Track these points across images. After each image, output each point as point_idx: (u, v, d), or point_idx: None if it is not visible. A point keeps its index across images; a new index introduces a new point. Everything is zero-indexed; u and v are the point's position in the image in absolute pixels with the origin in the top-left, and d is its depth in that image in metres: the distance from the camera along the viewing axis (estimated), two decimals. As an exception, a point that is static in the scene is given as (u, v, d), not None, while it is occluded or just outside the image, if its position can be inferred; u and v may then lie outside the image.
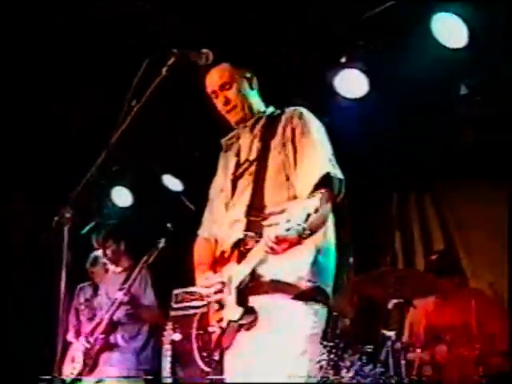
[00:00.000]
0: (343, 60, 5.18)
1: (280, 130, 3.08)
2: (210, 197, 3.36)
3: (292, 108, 3.17)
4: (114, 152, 2.89)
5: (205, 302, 3.11)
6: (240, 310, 2.81)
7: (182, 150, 5.90)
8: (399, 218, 6.22)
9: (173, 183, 6.30)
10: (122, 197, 6.51)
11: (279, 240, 2.60)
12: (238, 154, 3.22)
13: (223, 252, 3.05)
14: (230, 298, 2.86)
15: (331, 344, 4.27)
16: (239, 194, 3.09)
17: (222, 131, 3.32)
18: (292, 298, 2.82)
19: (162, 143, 5.72)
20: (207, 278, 2.99)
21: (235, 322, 2.85)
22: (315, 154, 2.97)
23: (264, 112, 3.26)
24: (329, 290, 2.92)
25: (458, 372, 4.12)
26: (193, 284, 3.16)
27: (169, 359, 4.86)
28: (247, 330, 2.84)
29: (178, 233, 4.75)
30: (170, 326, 4.88)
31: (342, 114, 5.17)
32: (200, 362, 3.86)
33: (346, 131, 5.10)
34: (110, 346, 5.15)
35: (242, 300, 2.84)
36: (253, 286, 2.84)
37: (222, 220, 3.13)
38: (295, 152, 3.01)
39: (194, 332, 4.28)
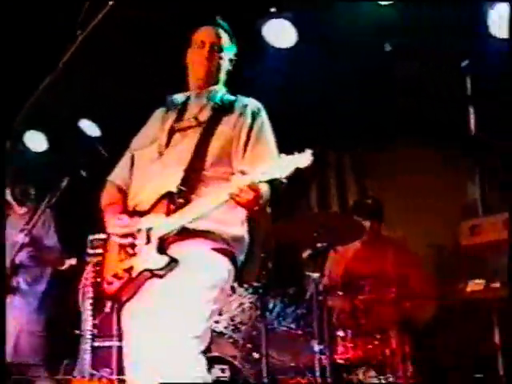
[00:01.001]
0: (273, 10, 5.23)
1: (236, 113, 3.05)
2: (132, 147, 3.22)
3: (246, 99, 3.14)
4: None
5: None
6: (163, 259, 2.75)
7: (106, 94, 5.70)
8: (317, 175, 6.33)
9: (90, 128, 6.14)
10: (35, 141, 6.29)
11: (250, 189, 2.58)
12: (182, 112, 3.14)
13: (141, 203, 2.93)
14: (149, 246, 2.78)
15: (255, 285, 4.36)
16: (177, 146, 3.00)
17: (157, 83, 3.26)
18: (212, 248, 2.79)
19: (88, 83, 5.50)
20: (120, 218, 2.88)
21: (155, 270, 2.76)
22: (267, 152, 2.93)
23: (219, 85, 3.21)
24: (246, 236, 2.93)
25: (376, 316, 4.27)
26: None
27: (90, 301, 4.80)
28: (161, 277, 2.77)
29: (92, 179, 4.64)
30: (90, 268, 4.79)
31: (270, 64, 5.20)
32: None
33: (272, 82, 5.15)
34: (12, 290, 5.03)
35: (163, 249, 2.78)
36: (174, 235, 2.79)
37: (150, 169, 3.00)
38: (246, 144, 2.97)
39: (88, 279, 4.21)
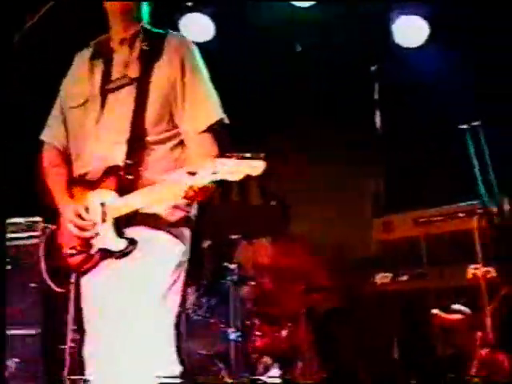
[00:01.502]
0: (189, 4, 5.29)
1: (167, 54, 2.87)
2: (62, 100, 3.05)
3: (177, 33, 2.99)
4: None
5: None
6: (123, 241, 2.72)
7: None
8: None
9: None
10: None
11: (201, 190, 2.54)
12: (108, 64, 2.95)
13: (87, 173, 2.83)
14: (105, 226, 2.74)
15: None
16: (114, 110, 2.86)
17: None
18: (165, 229, 2.78)
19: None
20: (82, 217, 2.75)
21: (114, 252, 2.73)
22: (207, 95, 2.86)
23: (142, 24, 2.99)
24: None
25: (286, 306, 4.48)
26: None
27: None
28: (117, 258, 2.74)
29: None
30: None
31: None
32: (50, 282, 3.74)
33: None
34: None
35: (121, 231, 2.75)
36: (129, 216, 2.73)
37: (89, 136, 2.86)
38: (183, 87, 2.85)
39: (42, 249, 4.11)
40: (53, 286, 3.84)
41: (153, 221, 2.76)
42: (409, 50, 5.36)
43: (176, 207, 2.80)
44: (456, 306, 3.28)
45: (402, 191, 4.73)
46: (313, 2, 4.91)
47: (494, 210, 3.42)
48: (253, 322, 4.32)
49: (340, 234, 5.07)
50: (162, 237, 2.77)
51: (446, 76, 5.02)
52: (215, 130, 2.83)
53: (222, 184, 2.53)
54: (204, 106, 2.86)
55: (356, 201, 5.18)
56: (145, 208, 2.71)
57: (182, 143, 2.87)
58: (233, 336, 4.01)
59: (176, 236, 2.80)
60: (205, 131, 2.81)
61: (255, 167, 2.45)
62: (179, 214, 2.81)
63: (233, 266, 4.13)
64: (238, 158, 2.48)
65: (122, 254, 2.70)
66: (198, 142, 2.83)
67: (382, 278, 4.03)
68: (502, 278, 3.37)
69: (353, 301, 4.42)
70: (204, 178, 2.51)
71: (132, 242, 2.70)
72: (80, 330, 3.63)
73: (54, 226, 2.93)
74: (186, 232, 2.86)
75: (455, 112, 4.41)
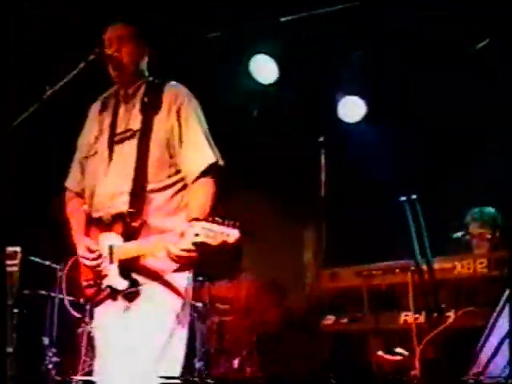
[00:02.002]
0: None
1: (165, 106, 3.17)
2: (80, 149, 3.38)
3: (174, 83, 3.29)
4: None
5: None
6: (125, 282, 2.99)
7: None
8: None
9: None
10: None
11: (189, 250, 2.79)
12: (114, 118, 3.26)
13: (101, 217, 3.12)
14: (112, 266, 3.02)
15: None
16: (119, 162, 3.16)
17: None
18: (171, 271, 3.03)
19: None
20: (91, 250, 3.07)
21: (119, 290, 3.01)
22: (201, 140, 3.16)
23: (144, 79, 3.34)
24: None
25: (237, 336, 5.07)
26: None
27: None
28: (122, 297, 3.03)
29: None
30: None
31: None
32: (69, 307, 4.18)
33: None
34: None
35: (126, 273, 3.02)
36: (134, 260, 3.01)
37: (99, 185, 3.18)
38: (181, 135, 3.14)
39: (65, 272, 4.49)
40: (72, 311, 4.35)
41: (150, 269, 3.03)
42: (350, 125, 6.26)
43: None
44: (398, 349, 3.96)
45: (346, 248, 5.51)
46: (274, 80, 5.70)
47: (425, 268, 4.18)
48: (212, 353, 4.90)
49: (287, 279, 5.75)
50: (158, 289, 3.04)
51: (383, 149, 5.90)
52: (211, 174, 3.13)
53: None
54: (197, 153, 3.14)
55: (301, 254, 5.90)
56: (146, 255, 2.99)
57: (183, 189, 3.17)
58: (198, 365, 4.55)
59: (174, 289, 3.05)
60: (200, 176, 3.11)
61: (230, 235, 2.66)
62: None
63: (199, 305, 4.69)
64: (215, 223, 2.70)
65: (126, 293, 3.01)
66: (194, 187, 3.13)
67: (326, 319, 4.74)
68: (428, 324, 4.12)
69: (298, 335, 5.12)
70: (188, 241, 2.75)
71: (134, 284, 3.00)
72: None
73: (73, 259, 3.26)
74: (184, 278, 3.11)
75: (394, 182, 5.30)
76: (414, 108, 5.76)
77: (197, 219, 2.73)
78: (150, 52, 3.39)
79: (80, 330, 5.01)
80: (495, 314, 3.59)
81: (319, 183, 5.47)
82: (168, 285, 3.05)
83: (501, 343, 3.44)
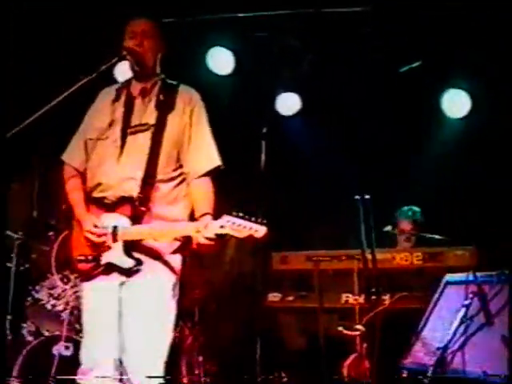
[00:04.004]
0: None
1: (180, 106, 3.41)
2: (87, 130, 3.50)
3: (187, 87, 3.53)
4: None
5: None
6: (131, 261, 3.23)
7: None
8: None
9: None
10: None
11: (211, 239, 3.05)
12: (129, 109, 3.44)
13: (104, 197, 3.34)
14: (116, 244, 3.24)
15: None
16: (132, 151, 3.35)
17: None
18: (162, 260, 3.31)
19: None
20: (98, 226, 3.27)
21: (122, 268, 3.24)
22: (209, 143, 3.45)
23: (160, 76, 3.53)
24: None
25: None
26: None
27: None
28: (122, 274, 3.26)
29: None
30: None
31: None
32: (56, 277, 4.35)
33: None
34: None
35: (129, 252, 3.25)
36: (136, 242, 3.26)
37: (109, 169, 3.35)
38: (191, 135, 3.41)
39: (54, 249, 4.62)
40: (57, 280, 4.51)
41: (153, 250, 3.30)
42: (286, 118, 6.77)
43: (174, 239, 3.36)
44: (357, 326, 4.60)
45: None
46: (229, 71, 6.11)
47: (369, 257, 4.85)
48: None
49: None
50: (159, 267, 3.32)
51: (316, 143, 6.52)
52: (212, 174, 3.42)
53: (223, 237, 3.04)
54: (205, 154, 3.43)
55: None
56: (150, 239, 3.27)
57: (182, 182, 3.43)
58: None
59: (171, 268, 3.34)
60: (204, 175, 3.40)
61: (258, 231, 2.93)
62: (175, 245, 3.37)
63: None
64: (245, 219, 2.96)
65: (129, 271, 3.25)
66: (197, 184, 3.41)
67: (272, 297, 5.32)
68: (368, 304, 4.80)
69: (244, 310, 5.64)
70: (212, 231, 3.03)
71: (139, 263, 3.25)
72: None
73: (66, 232, 3.52)
74: (178, 259, 3.40)
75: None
76: (347, 109, 6.36)
77: (230, 214, 3.02)
78: (165, 49, 3.56)
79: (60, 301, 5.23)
80: (435, 297, 4.31)
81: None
82: (166, 263, 3.35)
83: (440, 322, 4.16)
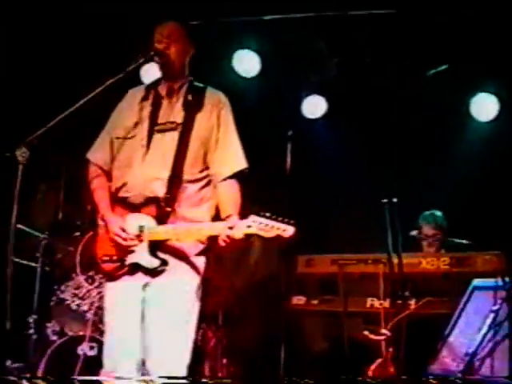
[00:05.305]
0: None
1: (208, 107, 3.43)
2: (110, 129, 3.52)
3: (215, 90, 3.55)
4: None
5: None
6: (156, 261, 3.24)
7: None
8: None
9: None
10: None
11: (235, 240, 3.07)
12: (156, 108, 3.45)
13: (129, 197, 3.33)
14: (142, 244, 3.25)
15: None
16: (158, 150, 3.35)
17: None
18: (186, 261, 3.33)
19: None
20: (124, 230, 3.26)
21: (148, 268, 3.25)
22: (236, 145, 3.47)
23: (188, 78, 3.56)
24: None
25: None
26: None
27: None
28: (148, 274, 3.27)
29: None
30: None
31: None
32: (81, 277, 4.37)
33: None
34: None
35: (155, 252, 3.26)
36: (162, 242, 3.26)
37: (135, 168, 3.36)
38: (218, 136, 3.42)
39: (79, 249, 4.65)
40: (82, 280, 4.53)
41: (179, 251, 3.31)
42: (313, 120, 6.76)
43: (199, 241, 3.36)
44: (383, 330, 4.55)
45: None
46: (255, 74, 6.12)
47: (396, 261, 4.79)
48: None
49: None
50: (184, 268, 3.33)
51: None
52: (239, 176, 3.43)
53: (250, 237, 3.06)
54: (231, 156, 3.44)
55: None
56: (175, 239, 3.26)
57: (207, 185, 3.43)
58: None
59: (196, 269, 3.35)
60: (230, 177, 3.41)
61: (286, 231, 2.96)
62: (200, 247, 3.38)
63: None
64: (272, 219, 2.99)
65: (154, 271, 3.26)
66: (223, 186, 3.41)
67: (296, 300, 5.29)
68: (394, 309, 4.75)
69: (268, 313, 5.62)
70: (239, 231, 3.06)
71: (164, 263, 3.26)
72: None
73: (91, 233, 3.52)
74: (202, 261, 3.40)
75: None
76: (373, 112, 6.32)
77: (257, 214, 3.04)
78: (193, 52, 3.59)
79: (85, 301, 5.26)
80: (462, 302, 4.25)
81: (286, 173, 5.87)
82: (191, 265, 3.35)
83: (467, 328, 4.11)
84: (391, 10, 5.67)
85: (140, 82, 3.92)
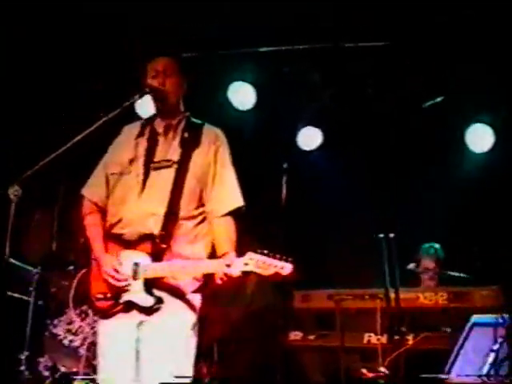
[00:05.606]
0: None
1: (205, 144, 3.40)
2: (109, 165, 3.47)
3: (212, 126, 3.51)
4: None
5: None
6: (151, 299, 3.18)
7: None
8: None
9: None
10: None
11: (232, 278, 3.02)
12: (152, 145, 3.41)
13: (124, 234, 3.27)
14: (136, 282, 3.19)
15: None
16: (154, 187, 3.31)
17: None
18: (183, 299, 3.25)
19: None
20: (118, 271, 3.20)
21: (143, 307, 3.18)
22: (233, 182, 3.43)
23: (184, 114, 3.52)
24: None
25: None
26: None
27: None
28: (142, 312, 3.20)
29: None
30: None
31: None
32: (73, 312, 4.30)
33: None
34: None
35: (150, 290, 3.19)
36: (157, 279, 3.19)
37: (131, 204, 3.31)
38: (215, 173, 3.38)
39: (73, 286, 4.57)
40: (74, 316, 4.44)
41: (175, 289, 3.23)
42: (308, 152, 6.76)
43: (195, 278, 3.30)
44: (381, 368, 4.47)
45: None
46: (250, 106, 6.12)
47: (393, 296, 4.75)
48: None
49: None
50: (180, 305, 3.25)
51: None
52: (235, 214, 3.38)
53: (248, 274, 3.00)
54: (228, 193, 3.40)
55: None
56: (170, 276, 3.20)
57: (203, 221, 3.38)
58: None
59: (192, 306, 3.28)
60: (226, 214, 3.36)
61: (284, 268, 2.91)
62: (196, 284, 3.31)
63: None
64: (269, 256, 2.94)
65: (150, 309, 3.18)
66: (219, 223, 3.35)
67: (293, 335, 5.23)
68: (391, 344, 4.70)
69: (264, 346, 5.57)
70: (236, 269, 3.01)
71: (159, 301, 3.18)
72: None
73: (84, 270, 3.42)
74: (198, 298, 3.33)
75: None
76: (369, 143, 6.32)
77: (254, 251, 2.99)
78: (186, 86, 3.54)
79: (77, 336, 5.19)
80: (462, 339, 4.20)
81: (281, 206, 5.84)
82: (187, 302, 3.28)
83: (467, 366, 4.05)
84: (385, 42, 5.69)
85: (134, 115, 3.87)
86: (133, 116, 3.79)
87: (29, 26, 5.26)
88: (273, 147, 6.33)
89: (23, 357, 5.09)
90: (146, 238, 3.23)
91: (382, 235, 4.67)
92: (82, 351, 5.19)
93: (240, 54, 5.93)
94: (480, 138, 6.10)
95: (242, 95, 6.08)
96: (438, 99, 5.88)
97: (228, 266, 3.05)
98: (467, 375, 3.74)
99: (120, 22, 5.38)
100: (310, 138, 6.69)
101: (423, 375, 4.07)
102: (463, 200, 6.08)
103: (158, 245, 3.21)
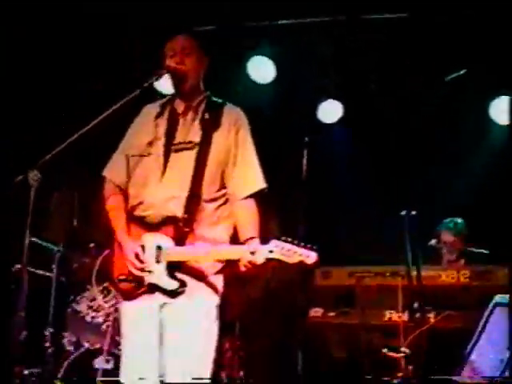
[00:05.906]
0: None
1: (225, 125, 3.33)
2: (129, 146, 3.43)
3: (233, 106, 3.44)
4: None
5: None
6: (175, 283, 3.16)
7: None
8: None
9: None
10: None
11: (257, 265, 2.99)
12: (172, 126, 3.36)
13: (146, 216, 3.25)
14: (159, 265, 3.18)
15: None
16: (176, 169, 3.27)
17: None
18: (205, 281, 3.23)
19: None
20: (136, 252, 3.18)
21: (166, 290, 3.18)
22: (255, 164, 3.37)
23: (205, 94, 3.44)
24: None
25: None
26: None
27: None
28: (166, 295, 3.18)
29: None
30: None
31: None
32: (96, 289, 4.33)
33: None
34: None
35: (173, 273, 3.18)
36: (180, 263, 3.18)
37: (152, 187, 3.27)
38: (236, 155, 3.32)
39: (96, 265, 4.62)
40: (97, 292, 4.46)
41: (197, 271, 3.22)
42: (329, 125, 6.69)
43: (217, 260, 3.27)
44: (403, 349, 4.45)
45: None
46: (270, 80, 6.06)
47: (414, 274, 4.70)
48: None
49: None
50: (203, 288, 3.24)
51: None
52: (257, 196, 3.33)
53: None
54: (250, 175, 3.34)
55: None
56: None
57: (225, 203, 3.34)
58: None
59: (214, 288, 3.27)
60: (248, 197, 3.31)
61: (309, 257, 2.88)
62: (218, 266, 3.29)
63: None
64: (294, 245, 2.91)
65: (173, 292, 3.17)
66: (241, 205, 3.31)
67: (314, 312, 5.23)
68: (412, 322, 4.67)
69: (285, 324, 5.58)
70: (261, 256, 2.98)
71: (183, 284, 3.17)
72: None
73: (106, 251, 3.51)
74: (221, 279, 3.31)
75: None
76: (391, 117, 6.23)
77: (278, 238, 2.95)
78: (207, 64, 3.46)
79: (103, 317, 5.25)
80: (483, 320, 4.16)
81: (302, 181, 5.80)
82: (210, 284, 3.27)
83: (490, 347, 4.02)
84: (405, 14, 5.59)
85: (154, 93, 3.81)
86: (153, 95, 3.74)
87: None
88: (293, 121, 6.26)
89: (47, 333, 5.17)
90: (169, 220, 3.21)
91: (403, 212, 4.60)
92: (105, 327, 5.23)
93: (259, 27, 5.85)
94: (505, 110, 5.97)
95: (262, 69, 6.01)
96: (461, 72, 5.75)
97: (252, 253, 3.02)
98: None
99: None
100: (330, 112, 6.60)
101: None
102: (487, 174, 5.98)
103: (181, 228, 3.19)
